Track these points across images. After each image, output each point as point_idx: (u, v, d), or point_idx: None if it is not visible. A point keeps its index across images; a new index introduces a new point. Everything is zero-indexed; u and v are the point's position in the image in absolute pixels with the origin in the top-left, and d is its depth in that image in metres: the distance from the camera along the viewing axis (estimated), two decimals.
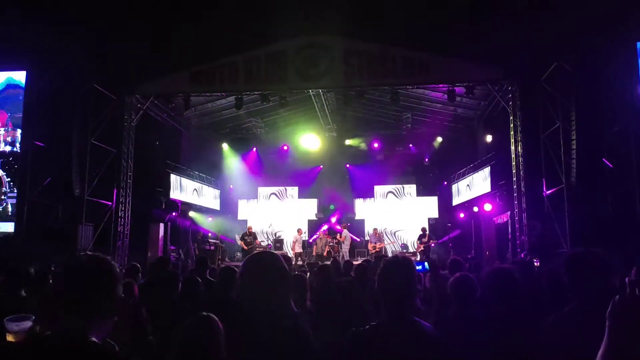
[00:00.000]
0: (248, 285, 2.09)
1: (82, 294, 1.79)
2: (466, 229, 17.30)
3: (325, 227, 18.66)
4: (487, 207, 15.55)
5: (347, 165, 20.49)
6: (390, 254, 17.17)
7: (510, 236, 14.43)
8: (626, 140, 11.66)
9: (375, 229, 17.73)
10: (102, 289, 1.81)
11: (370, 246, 17.31)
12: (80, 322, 1.76)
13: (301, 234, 17.61)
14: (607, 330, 1.48)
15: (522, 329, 2.64)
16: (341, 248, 16.91)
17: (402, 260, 2.39)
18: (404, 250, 17.43)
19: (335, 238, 17.24)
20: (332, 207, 20.11)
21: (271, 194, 21.04)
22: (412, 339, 2.14)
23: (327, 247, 16.82)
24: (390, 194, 20.41)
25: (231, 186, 20.93)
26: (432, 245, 16.55)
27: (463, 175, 18.19)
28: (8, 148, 14.61)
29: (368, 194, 20.44)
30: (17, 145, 14.53)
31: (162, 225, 15.48)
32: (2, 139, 14.60)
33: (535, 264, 10.41)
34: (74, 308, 1.78)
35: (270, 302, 2.02)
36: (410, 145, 20.04)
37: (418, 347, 2.13)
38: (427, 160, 20.29)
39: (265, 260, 2.17)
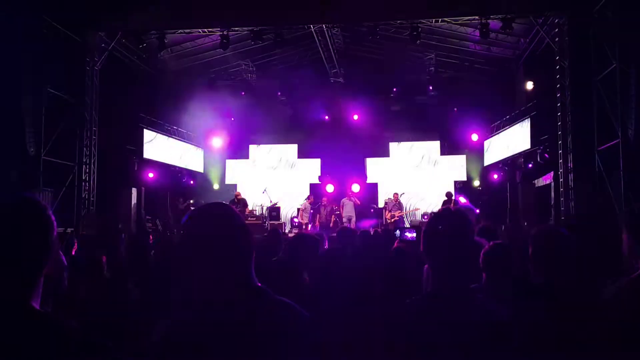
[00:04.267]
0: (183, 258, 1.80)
1: (19, 246, 1.58)
2: (500, 193, 17.26)
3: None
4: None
5: (356, 117, 20.26)
6: (407, 224, 17.20)
7: (553, 202, 14.39)
8: None
9: (395, 194, 17.65)
10: (39, 237, 1.62)
11: (387, 215, 17.25)
12: (15, 285, 1.56)
13: (312, 201, 17.77)
14: None
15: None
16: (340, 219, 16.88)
17: (452, 215, 2.23)
18: (425, 220, 17.43)
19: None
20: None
21: (265, 153, 21.00)
22: (464, 315, 2.03)
23: (332, 215, 16.84)
24: (408, 153, 20.33)
25: (219, 144, 20.84)
26: None
27: (497, 129, 18.05)
28: None
29: (382, 152, 20.37)
30: None
31: (134, 191, 15.48)
32: None
33: None
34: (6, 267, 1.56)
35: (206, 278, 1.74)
36: (433, 93, 19.74)
37: (468, 324, 2.00)
38: (455, 110, 19.97)
39: (204, 223, 1.81)
